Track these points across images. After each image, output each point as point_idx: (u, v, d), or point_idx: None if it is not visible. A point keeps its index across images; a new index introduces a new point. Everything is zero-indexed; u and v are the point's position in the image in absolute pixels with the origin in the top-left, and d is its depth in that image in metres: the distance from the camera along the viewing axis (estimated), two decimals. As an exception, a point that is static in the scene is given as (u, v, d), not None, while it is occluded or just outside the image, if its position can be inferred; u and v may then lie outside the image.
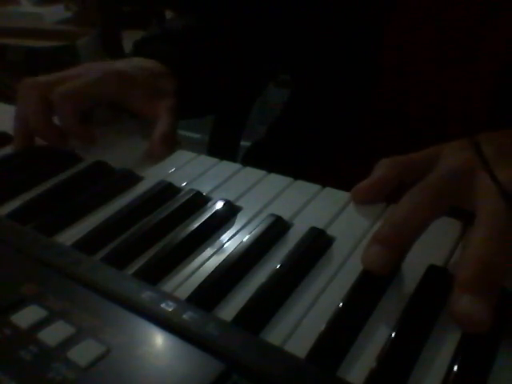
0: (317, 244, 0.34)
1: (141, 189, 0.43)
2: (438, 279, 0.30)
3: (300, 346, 0.27)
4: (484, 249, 0.28)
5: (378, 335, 0.27)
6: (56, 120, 0.49)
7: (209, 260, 0.34)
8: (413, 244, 0.31)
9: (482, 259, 0.27)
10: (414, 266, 0.31)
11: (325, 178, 0.42)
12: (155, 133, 0.48)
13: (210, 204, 0.40)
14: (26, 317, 0.27)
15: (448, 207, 0.33)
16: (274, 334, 0.28)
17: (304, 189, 0.40)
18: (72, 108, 0.48)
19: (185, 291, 0.31)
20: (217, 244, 0.35)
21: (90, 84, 0.49)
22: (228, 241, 0.36)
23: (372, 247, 0.31)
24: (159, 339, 0.26)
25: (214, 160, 0.46)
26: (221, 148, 0.78)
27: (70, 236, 0.37)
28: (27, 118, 0.49)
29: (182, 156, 0.47)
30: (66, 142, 0.49)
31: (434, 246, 0.33)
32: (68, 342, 0.25)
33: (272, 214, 0.37)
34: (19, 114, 0.50)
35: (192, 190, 0.41)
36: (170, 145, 0.48)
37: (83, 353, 0.25)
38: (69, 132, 0.49)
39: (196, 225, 0.36)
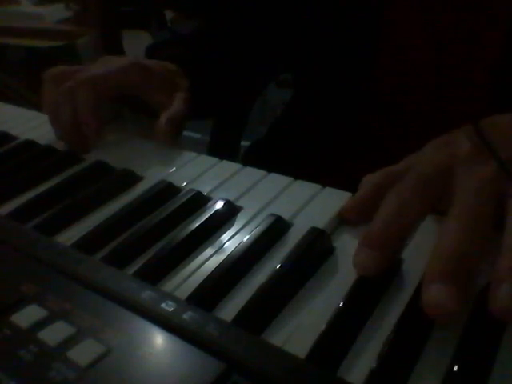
0: (317, 244, 0.34)
1: (141, 189, 0.43)
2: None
3: (300, 346, 0.27)
4: (453, 240, 0.28)
5: (378, 335, 0.27)
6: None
7: (209, 260, 0.34)
8: (404, 242, 0.31)
9: (450, 250, 0.27)
10: (414, 266, 0.31)
11: (325, 177, 0.42)
12: (163, 114, 0.49)
13: (210, 204, 0.40)
14: (26, 316, 0.27)
15: (434, 202, 0.32)
16: (274, 334, 0.28)
17: (304, 189, 0.40)
18: (92, 93, 0.47)
19: (185, 291, 0.31)
20: (217, 244, 0.35)
21: (113, 72, 0.49)
22: (228, 241, 0.36)
23: (361, 251, 0.30)
24: (159, 339, 0.26)
25: (214, 160, 0.46)
26: (221, 148, 0.78)
27: (70, 236, 0.37)
28: (61, 122, 0.49)
29: (182, 156, 0.47)
30: (87, 150, 0.49)
31: (433, 245, 0.33)
32: (68, 342, 0.25)
33: (272, 214, 0.37)
34: (52, 114, 0.49)
35: (192, 189, 0.41)
36: (175, 130, 0.48)
37: (83, 353, 0.25)
38: (82, 120, 0.48)
39: (196, 225, 0.36)
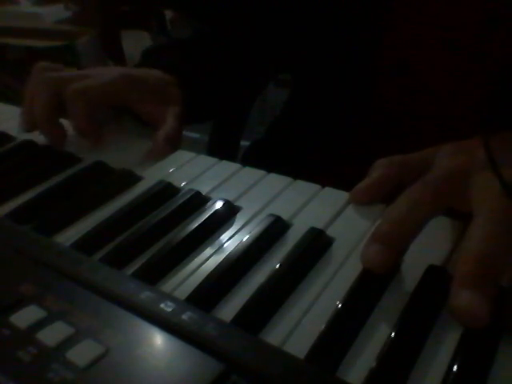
0: (316, 244, 0.34)
1: (140, 189, 0.42)
2: (437, 279, 0.30)
3: (299, 346, 0.27)
4: (483, 244, 0.28)
5: (378, 335, 0.27)
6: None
7: (208, 260, 0.34)
8: (411, 241, 0.31)
9: (480, 254, 0.28)
10: (414, 266, 0.31)
11: (325, 177, 0.42)
12: (160, 133, 0.49)
13: (209, 204, 0.39)
14: (25, 317, 0.27)
15: (445, 206, 0.33)
16: (274, 334, 0.28)
17: (304, 189, 0.40)
18: (85, 104, 0.48)
19: (184, 291, 0.31)
20: (216, 244, 0.35)
21: (104, 83, 0.50)
22: (227, 241, 0.36)
23: (371, 245, 0.31)
24: (158, 339, 0.26)
25: (213, 160, 0.46)
26: (220, 148, 0.78)
27: (69, 236, 0.37)
28: (34, 110, 0.49)
29: (182, 156, 0.47)
30: (63, 143, 0.50)
31: (433, 246, 0.33)
32: (67, 343, 0.25)
33: (271, 214, 0.36)
34: (28, 102, 0.50)
35: (191, 189, 0.41)
36: (172, 147, 0.48)
37: (82, 353, 0.25)
38: (78, 129, 0.49)
39: (195, 225, 0.36)
